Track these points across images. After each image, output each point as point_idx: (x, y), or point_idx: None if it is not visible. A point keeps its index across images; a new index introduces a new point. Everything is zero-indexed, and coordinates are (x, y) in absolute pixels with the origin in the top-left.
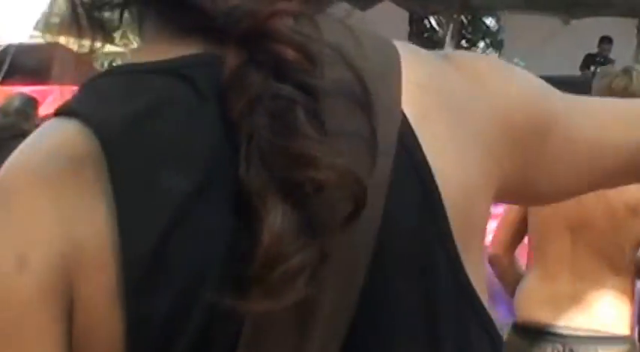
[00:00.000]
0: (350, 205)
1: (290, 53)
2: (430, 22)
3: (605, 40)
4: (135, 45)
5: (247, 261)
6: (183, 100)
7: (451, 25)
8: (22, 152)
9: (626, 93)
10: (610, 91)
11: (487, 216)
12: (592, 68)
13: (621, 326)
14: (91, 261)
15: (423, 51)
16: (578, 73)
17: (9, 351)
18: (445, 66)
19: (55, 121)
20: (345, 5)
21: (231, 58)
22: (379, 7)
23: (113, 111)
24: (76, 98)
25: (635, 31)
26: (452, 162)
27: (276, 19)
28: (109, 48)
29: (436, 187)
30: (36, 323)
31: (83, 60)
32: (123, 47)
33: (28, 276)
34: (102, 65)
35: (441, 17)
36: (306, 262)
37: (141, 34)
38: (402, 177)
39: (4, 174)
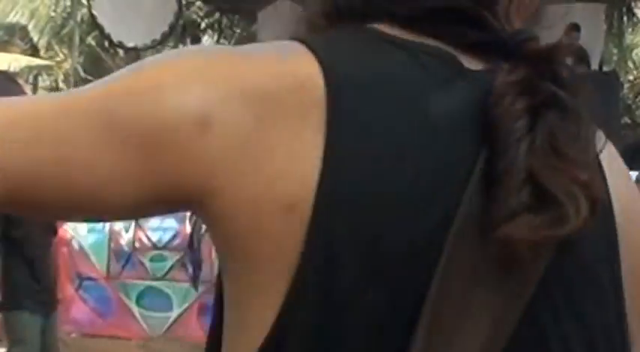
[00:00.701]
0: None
1: (567, 75)
2: None
3: (573, 29)
4: (61, 56)
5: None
6: (416, 79)
7: None
8: (274, 55)
9: None
10: None
11: None
12: None
13: None
14: (269, 184)
15: None
16: None
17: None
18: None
19: (298, 46)
20: None
21: (518, 69)
22: None
23: (346, 67)
24: (316, 37)
25: (603, 16)
26: (628, 208)
27: (560, 49)
28: (34, 61)
29: (612, 211)
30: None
31: (10, 77)
32: (48, 60)
33: (205, 135)
34: (27, 80)
35: None
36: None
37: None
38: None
39: (256, 48)
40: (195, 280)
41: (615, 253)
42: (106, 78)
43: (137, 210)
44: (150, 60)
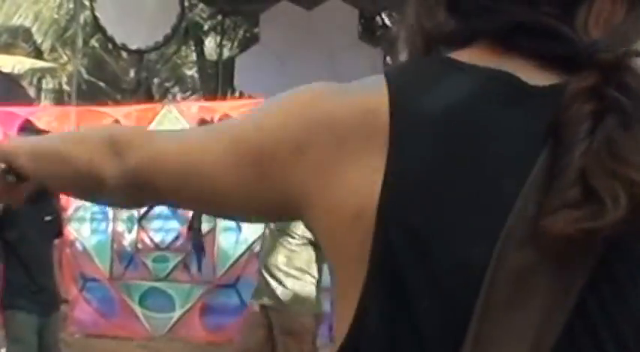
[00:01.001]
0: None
1: (635, 83)
2: (382, 20)
3: None
4: (64, 59)
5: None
6: (474, 100)
7: None
8: (352, 88)
9: None
10: None
11: None
12: None
13: None
14: (338, 194)
15: None
16: None
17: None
18: None
19: (380, 78)
20: None
21: (589, 77)
22: (327, 5)
23: (412, 92)
24: (399, 67)
25: None
26: None
27: (629, 56)
28: (38, 63)
29: None
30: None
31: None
32: (52, 62)
33: (300, 160)
34: (31, 82)
35: (393, 14)
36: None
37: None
38: None
39: (337, 85)
40: (199, 263)
41: None
42: (242, 115)
43: (258, 214)
44: (270, 101)
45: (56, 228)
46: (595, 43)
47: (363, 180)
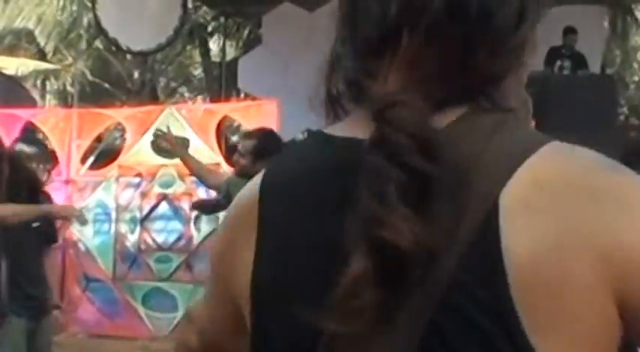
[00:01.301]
0: (416, 265)
1: (402, 138)
2: None
3: (569, 31)
4: (69, 60)
5: (333, 295)
6: (327, 170)
7: None
8: (255, 177)
9: None
10: None
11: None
12: (558, 63)
13: None
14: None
15: (590, 156)
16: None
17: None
18: (598, 178)
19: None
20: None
21: (372, 134)
22: (329, 6)
23: (279, 169)
24: (282, 152)
25: (604, 18)
26: (540, 251)
27: (396, 108)
28: (42, 65)
29: (503, 270)
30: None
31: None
32: (56, 63)
33: (230, 255)
34: (34, 84)
35: None
36: (375, 302)
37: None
38: (474, 254)
39: None
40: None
41: (502, 299)
42: None
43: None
44: None
45: (48, 234)
46: (383, 95)
47: (248, 260)
